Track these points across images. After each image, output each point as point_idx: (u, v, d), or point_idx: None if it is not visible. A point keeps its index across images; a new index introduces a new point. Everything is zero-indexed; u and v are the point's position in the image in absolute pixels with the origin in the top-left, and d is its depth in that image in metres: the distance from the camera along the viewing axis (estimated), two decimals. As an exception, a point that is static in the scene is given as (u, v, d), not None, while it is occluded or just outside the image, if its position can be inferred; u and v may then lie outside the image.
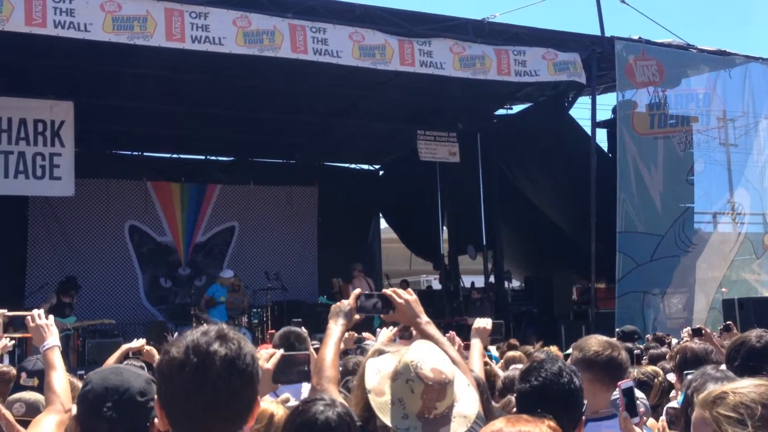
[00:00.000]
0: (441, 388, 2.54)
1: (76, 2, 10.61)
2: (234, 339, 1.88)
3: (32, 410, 3.84)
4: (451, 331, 5.06)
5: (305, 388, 3.38)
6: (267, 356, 2.43)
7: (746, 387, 2.02)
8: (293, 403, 3.26)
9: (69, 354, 12.26)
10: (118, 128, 16.82)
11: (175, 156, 19.71)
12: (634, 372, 4.28)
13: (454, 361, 2.94)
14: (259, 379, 1.96)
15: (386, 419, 2.49)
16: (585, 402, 2.94)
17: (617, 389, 2.91)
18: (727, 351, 3.80)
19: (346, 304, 3.20)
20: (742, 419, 1.92)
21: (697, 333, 6.65)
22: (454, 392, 2.64)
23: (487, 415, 3.04)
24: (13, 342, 5.45)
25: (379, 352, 3.15)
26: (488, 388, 3.86)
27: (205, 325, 1.96)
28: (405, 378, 2.55)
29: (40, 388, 3.94)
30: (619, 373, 3.15)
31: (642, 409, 3.00)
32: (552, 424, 2.05)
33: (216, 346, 1.83)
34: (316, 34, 12.12)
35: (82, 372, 7.29)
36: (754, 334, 3.67)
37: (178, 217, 18.77)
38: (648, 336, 9.64)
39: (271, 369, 2.43)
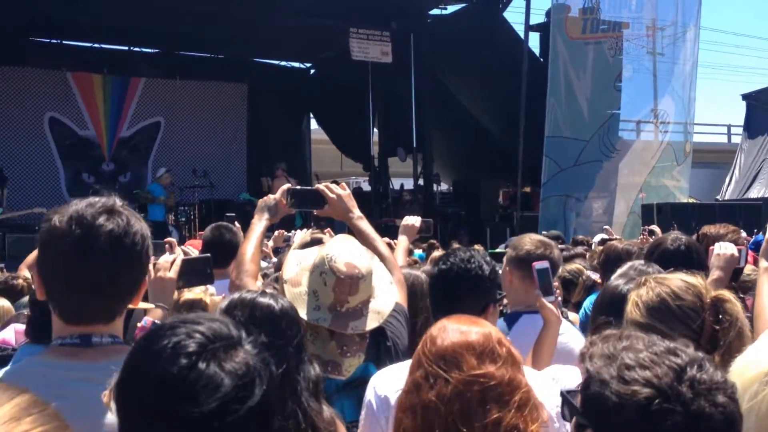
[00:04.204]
0: (353, 282, 2.55)
1: None
2: (123, 214, 1.74)
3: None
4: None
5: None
6: (167, 265, 2.34)
7: (672, 280, 2.12)
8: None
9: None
10: (35, 12, 15.86)
11: (96, 46, 18.80)
12: (560, 269, 4.39)
13: (383, 258, 2.96)
14: (149, 259, 1.85)
15: (300, 310, 2.51)
16: (501, 293, 3.02)
17: (533, 269, 3.01)
18: (646, 250, 3.96)
19: (272, 198, 3.17)
20: (647, 305, 2.03)
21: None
22: (372, 288, 2.65)
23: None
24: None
25: (307, 244, 3.15)
26: None
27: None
28: (320, 270, 2.58)
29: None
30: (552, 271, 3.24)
31: (559, 291, 3.13)
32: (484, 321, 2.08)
33: (102, 219, 1.70)
34: None
35: (2, 266, 7.13)
36: (670, 237, 3.85)
37: (101, 111, 18.09)
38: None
39: (175, 277, 2.35)
